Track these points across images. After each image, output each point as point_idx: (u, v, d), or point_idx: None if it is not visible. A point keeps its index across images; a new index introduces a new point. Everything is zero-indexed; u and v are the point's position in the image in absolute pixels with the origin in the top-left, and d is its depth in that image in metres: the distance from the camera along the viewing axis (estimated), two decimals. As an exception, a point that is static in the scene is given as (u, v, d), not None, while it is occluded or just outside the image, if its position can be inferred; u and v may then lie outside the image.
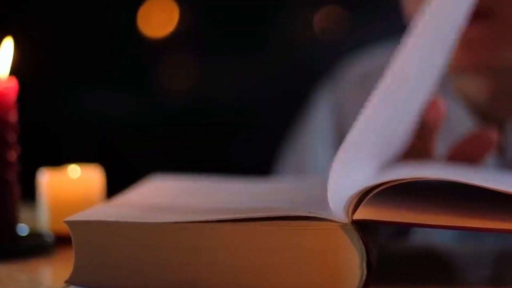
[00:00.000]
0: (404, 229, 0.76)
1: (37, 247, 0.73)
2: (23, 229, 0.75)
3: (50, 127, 1.92)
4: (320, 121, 1.08)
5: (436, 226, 0.57)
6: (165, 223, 0.58)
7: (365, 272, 0.57)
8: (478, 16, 0.84)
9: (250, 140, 1.94)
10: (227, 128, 1.95)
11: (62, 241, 0.74)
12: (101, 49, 1.94)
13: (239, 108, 1.97)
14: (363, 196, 0.57)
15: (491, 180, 0.62)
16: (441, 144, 0.87)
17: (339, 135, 1.05)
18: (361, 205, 0.56)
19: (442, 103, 0.76)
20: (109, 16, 1.93)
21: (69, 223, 0.60)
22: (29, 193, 0.82)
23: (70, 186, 0.80)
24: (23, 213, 0.76)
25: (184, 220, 0.58)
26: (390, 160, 0.71)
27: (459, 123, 0.95)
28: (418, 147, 0.76)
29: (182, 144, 1.93)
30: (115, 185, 0.84)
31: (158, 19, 1.93)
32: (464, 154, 0.77)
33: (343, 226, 0.57)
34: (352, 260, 0.57)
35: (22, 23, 1.86)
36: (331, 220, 0.57)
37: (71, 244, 0.59)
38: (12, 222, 0.74)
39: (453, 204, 0.57)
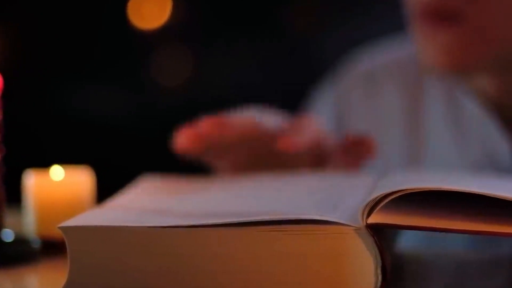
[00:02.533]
0: None
1: (23, 253, 0.71)
2: (8, 235, 0.73)
3: (37, 126, 1.91)
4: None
5: (451, 230, 0.56)
6: (166, 227, 0.56)
7: (380, 279, 0.55)
8: (447, 21, 0.87)
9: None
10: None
11: (49, 247, 0.72)
12: (90, 43, 1.92)
13: (237, 105, 1.95)
14: (377, 203, 0.55)
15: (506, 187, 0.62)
16: (458, 139, 0.89)
17: (340, 133, 1.04)
18: (375, 210, 0.55)
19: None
20: (98, 8, 1.91)
21: (64, 229, 0.57)
22: (15, 196, 0.80)
23: (58, 189, 0.78)
24: (8, 217, 0.74)
25: (185, 223, 0.56)
26: None
27: (473, 117, 0.95)
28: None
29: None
30: (106, 187, 0.82)
31: (150, 10, 1.92)
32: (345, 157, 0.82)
33: (357, 230, 0.55)
34: (366, 266, 0.55)
35: (5, 16, 1.84)
36: (344, 224, 0.55)
37: (59, 250, 0.58)
38: (-4, 227, 0.72)
39: (469, 210, 0.56)
